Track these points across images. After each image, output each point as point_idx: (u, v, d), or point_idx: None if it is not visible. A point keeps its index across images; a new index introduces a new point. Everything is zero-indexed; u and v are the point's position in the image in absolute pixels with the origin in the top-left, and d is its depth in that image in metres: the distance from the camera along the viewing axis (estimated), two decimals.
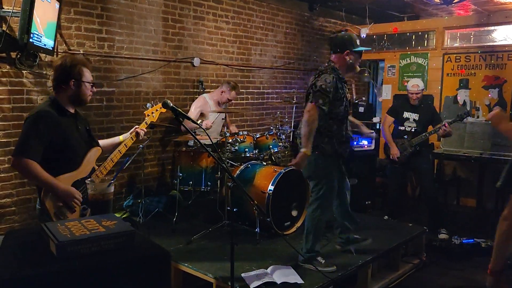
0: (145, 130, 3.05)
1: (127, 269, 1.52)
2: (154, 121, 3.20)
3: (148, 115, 3.18)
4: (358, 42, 3.31)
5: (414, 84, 5.03)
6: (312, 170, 3.33)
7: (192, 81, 5.24)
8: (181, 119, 2.30)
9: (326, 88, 3.15)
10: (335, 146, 3.32)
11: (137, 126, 3.03)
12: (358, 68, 3.40)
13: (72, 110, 2.61)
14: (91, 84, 2.62)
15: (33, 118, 2.44)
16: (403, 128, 5.09)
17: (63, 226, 1.62)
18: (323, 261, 3.34)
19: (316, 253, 3.38)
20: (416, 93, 4.98)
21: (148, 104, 3.22)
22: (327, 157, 3.31)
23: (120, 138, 2.97)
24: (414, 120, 5.04)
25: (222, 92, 4.82)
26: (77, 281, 1.42)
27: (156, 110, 3.22)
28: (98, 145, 2.75)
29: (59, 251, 1.46)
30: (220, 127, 4.95)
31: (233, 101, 5.01)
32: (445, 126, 4.68)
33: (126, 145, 2.91)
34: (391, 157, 5.13)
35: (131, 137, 2.95)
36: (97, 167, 2.70)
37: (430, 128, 5.01)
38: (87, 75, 2.59)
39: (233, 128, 5.09)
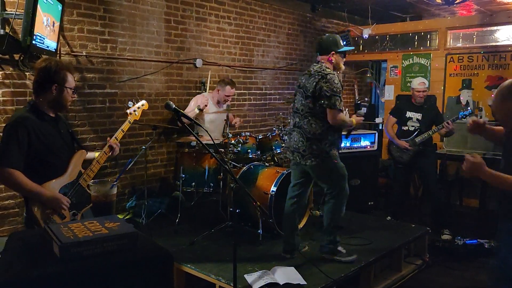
0: (119, 145, 2.81)
1: (130, 270, 1.53)
2: (137, 119, 3.06)
3: (130, 114, 2.98)
4: (341, 43, 3.48)
5: (421, 82, 5.00)
6: (328, 176, 3.40)
7: (195, 82, 5.25)
8: (183, 120, 2.30)
9: (337, 90, 3.25)
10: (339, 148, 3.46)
11: (108, 139, 2.80)
12: (343, 67, 3.52)
13: (52, 114, 2.54)
14: (73, 90, 2.54)
15: (12, 126, 2.36)
16: (406, 128, 5.07)
17: (66, 228, 1.63)
18: (344, 251, 3.45)
19: (338, 243, 3.48)
20: (423, 91, 4.97)
21: (130, 102, 3.08)
22: (336, 158, 3.39)
23: (96, 154, 2.77)
24: (417, 119, 5.02)
25: (218, 91, 4.88)
26: (80, 283, 1.43)
27: (138, 108, 3.05)
28: (82, 147, 2.69)
29: (62, 252, 1.47)
30: (221, 127, 4.95)
31: (231, 98, 4.97)
32: (448, 124, 4.66)
33: (105, 153, 2.74)
34: (395, 158, 5.12)
35: (104, 152, 2.74)
36: (84, 170, 2.62)
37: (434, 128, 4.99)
38: (71, 81, 2.51)
39: (236, 120, 5.04)
